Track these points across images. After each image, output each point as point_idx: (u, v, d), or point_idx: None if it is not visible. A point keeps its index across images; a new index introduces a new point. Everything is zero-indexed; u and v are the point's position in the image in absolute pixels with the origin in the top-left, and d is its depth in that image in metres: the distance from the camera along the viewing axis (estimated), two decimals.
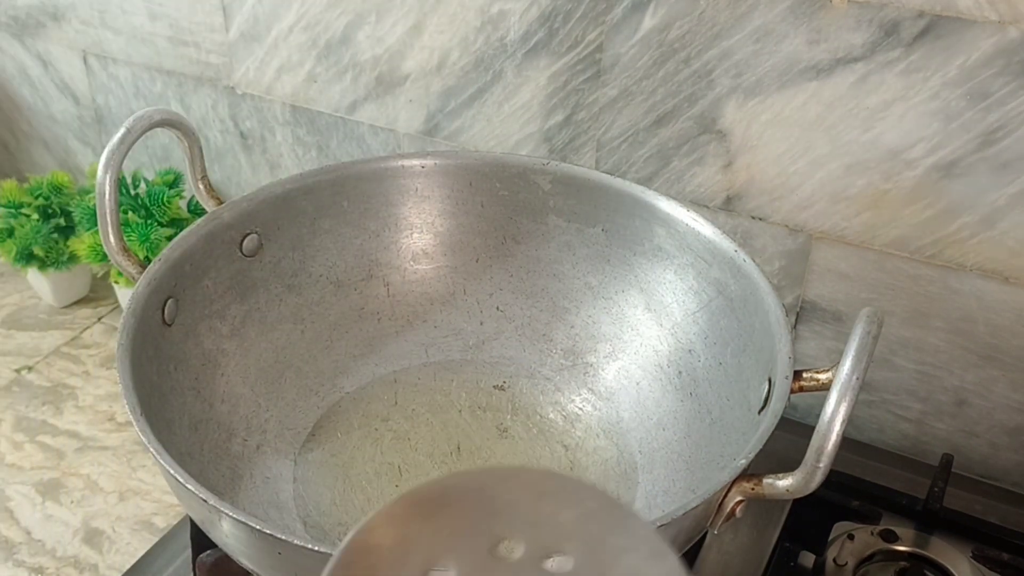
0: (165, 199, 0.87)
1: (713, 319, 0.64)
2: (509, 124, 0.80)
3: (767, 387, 0.54)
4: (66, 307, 0.98)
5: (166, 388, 0.59)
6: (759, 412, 0.54)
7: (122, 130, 0.60)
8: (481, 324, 0.74)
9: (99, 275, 0.98)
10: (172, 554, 0.66)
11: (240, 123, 0.94)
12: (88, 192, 0.92)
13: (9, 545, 0.70)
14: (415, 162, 0.71)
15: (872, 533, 0.64)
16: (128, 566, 0.66)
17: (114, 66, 0.98)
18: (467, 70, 0.79)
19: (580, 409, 0.70)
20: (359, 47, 0.83)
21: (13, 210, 0.92)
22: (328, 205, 0.70)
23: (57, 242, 0.92)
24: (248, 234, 0.67)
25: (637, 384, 0.69)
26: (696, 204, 0.74)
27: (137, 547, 0.69)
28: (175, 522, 0.70)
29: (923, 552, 0.63)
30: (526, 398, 0.71)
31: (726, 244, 0.63)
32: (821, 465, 0.46)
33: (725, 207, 0.74)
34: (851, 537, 0.63)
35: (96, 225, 0.73)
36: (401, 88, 0.83)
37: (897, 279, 0.70)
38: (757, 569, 0.63)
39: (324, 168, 0.70)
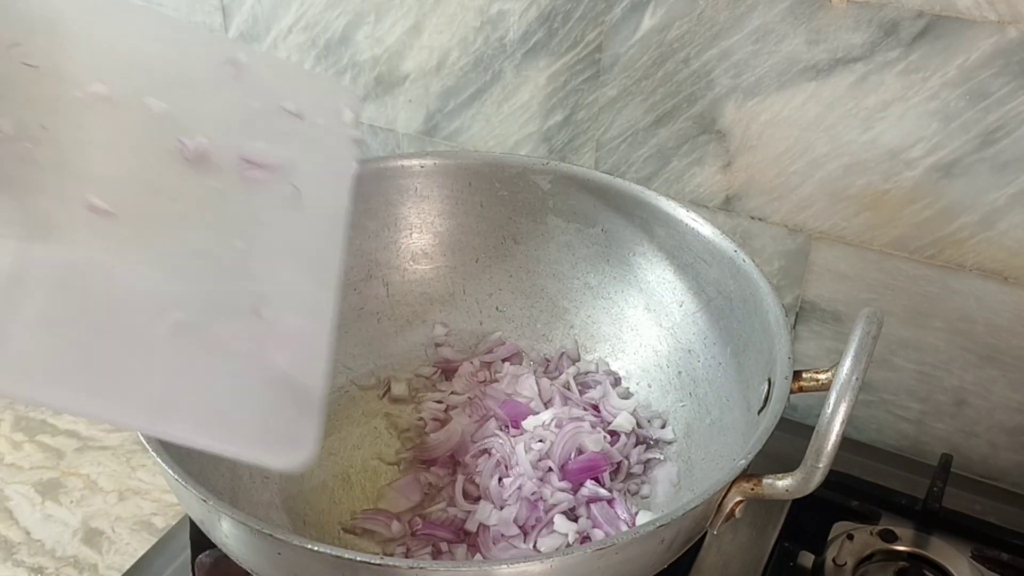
0: None
1: (713, 319, 0.64)
2: (508, 124, 0.80)
3: (767, 387, 0.54)
4: None
5: None
6: (759, 412, 0.54)
7: None
8: (480, 324, 0.74)
9: None
10: (172, 554, 0.66)
11: None
12: None
13: (8, 545, 0.70)
14: (414, 162, 0.71)
15: (871, 533, 0.64)
16: (128, 566, 0.66)
17: None
18: (466, 70, 0.79)
19: None
20: (358, 47, 0.83)
21: None
22: None
23: None
24: None
25: (637, 384, 0.69)
26: (695, 204, 0.74)
27: (137, 547, 0.69)
28: (175, 522, 0.70)
29: (922, 552, 0.63)
30: None
31: (726, 244, 0.63)
32: (820, 465, 0.46)
33: (724, 207, 0.74)
34: (850, 537, 0.63)
35: None
36: (400, 88, 0.83)
37: (896, 279, 0.70)
38: (756, 569, 0.63)
39: None
